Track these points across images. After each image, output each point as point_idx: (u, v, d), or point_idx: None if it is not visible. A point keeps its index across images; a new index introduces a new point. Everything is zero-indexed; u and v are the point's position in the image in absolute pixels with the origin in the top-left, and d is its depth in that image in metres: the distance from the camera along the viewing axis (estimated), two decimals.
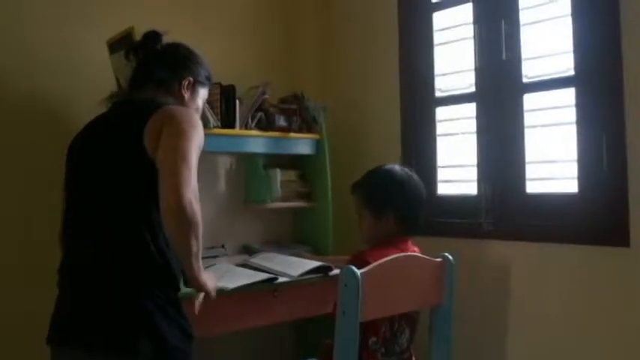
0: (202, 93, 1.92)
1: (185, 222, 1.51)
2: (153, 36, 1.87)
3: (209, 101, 2.55)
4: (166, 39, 1.91)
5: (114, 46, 2.25)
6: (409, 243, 2.20)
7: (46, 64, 2.44)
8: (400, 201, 2.15)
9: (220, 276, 2.30)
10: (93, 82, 2.21)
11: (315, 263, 2.47)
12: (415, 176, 2.23)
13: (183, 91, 1.83)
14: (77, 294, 1.63)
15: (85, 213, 1.68)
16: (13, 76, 2.38)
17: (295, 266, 2.46)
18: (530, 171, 2.50)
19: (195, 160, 1.57)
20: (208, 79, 1.93)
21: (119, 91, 1.89)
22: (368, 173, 2.27)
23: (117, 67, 2.22)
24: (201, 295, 1.80)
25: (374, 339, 2.09)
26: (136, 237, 1.61)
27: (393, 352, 2.14)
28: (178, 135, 1.57)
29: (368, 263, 1.89)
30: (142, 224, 1.61)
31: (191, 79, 1.84)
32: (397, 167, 2.24)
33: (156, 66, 1.82)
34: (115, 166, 1.65)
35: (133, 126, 1.63)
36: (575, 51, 2.35)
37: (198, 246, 1.58)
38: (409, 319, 2.17)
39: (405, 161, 2.90)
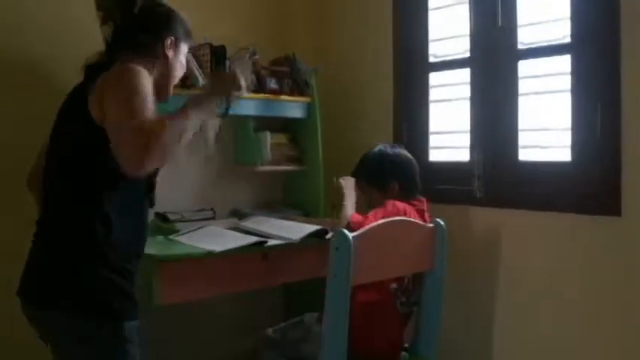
0: (184, 49, 1.89)
1: (154, 159, 1.48)
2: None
3: (199, 62, 2.51)
4: None
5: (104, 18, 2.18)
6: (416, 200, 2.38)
7: (41, 26, 2.39)
8: (398, 170, 2.40)
9: (209, 238, 2.30)
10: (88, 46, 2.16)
11: (312, 227, 2.46)
12: (404, 149, 2.48)
13: (167, 51, 1.79)
14: (31, 253, 1.69)
15: (46, 174, 1.72)
16: (7, 36, 2.33)
17: (292, 230, 2.44)
18: (523, 138, 2.48)
19: (141, 104, 1.51)
20: (188, 34, 1.90)
21: (93, 57, 1.85)
22: (362, 159, 2.48)
23: (105, 38, 2.16)
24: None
25: (394, 285, 2.15)
26: (75, 207, 1.62)
27: (409, 304, 2.26)
28: (115, 98, 1.54)
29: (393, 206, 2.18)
30: (83, 194, 1.62)
31: (173, 37, 1.81)
32: (384, 145, 2.49)
33: (136, 30, 1.77)
34: (64, 134, 1.68)
35: (80, 94, 1.64)
36: (572, 18, 2.32)
37: (164, 137, 1.50)
38: (419, 278, 2.25)
39: (397, 127, 2.89)
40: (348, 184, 2.39)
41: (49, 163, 1.71)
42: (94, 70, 1.66)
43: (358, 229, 1.98)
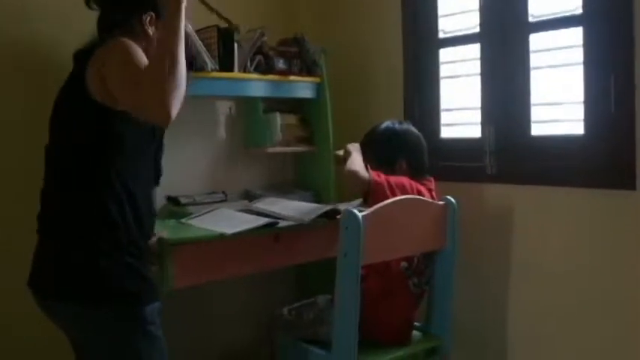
0: None
1: (176, 89, 1.49)
2: None
3: (206, 44, 2.50)
4: None
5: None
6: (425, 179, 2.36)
7: (43, 9, 2.38)
8: (407, 146, 2.37)
9: (221, 220, 2.30)
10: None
11: (324, 207, 2.45)
12: (412, 126, 2.43)
13: (146, 28, 1.76)
14: (38, 245, 1.69)
15: (46, 165, 1.72)
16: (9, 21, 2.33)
17: (303, 210, 2.44)
18: (535, 113, 2.45)
19: (141, 59, 1.54)
20: None
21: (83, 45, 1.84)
22: (369, 135, 2.44)
23: None
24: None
25: (405, 264, 2.15)
26: (77, 194, 1.63)
27: (420, 284, 2.26)
28: (118, 68, 1.55)
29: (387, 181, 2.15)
30: (89, 176, 1.62)
31: (152, 14, 1.78)
32: (392, 122, 2.44)
33: (109, 10, 1.77)
34: (64, 119, 1.68)
35: (75, 76, 1.66)
36: None
37: (170, 55, 1.52)
38: (430, 258, 2.26)
39: (408, 105, 2.86)
40: (355, 146, 2.38)
41: (49, 152, 1.70)
42: (83, 54, 1.66)
43: (378, 189, 2.05)
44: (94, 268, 1.58)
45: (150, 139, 1.76)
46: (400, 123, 2.44)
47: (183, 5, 1.59)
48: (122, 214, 1.63)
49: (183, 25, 1.59)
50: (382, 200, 2.03)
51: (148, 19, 1.77)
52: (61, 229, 1.64)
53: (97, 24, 1.79)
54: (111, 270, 1.59)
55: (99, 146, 1.61)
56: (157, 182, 1.85)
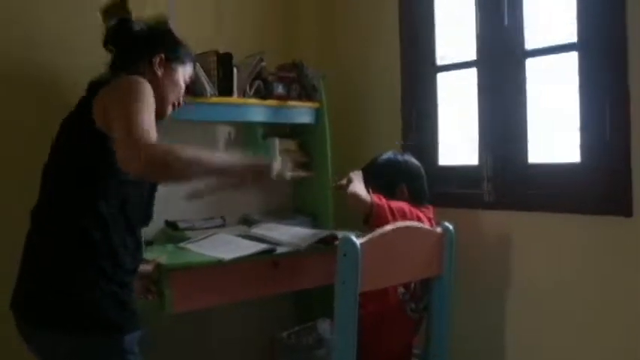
0: (182, 71, 1.89)
1: (162, 173, 1.49)
2: (121, 24, 1.84)
3: (206, 69, 2.52)
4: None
5: (107, 13, 2.20)
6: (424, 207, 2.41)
7: (52, 38, 2.42)
8: (408, 173, 2.44)
9: (219, 246, 2.30)
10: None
11: (322, 233, 2.46)
12: (411, 156, 2.51)
13: (155, 69, 1.81)
14: (21, 264, 1.68)
15: (41, 184, 1.72)
16: (19, 48, 2.37)
17: (301, 236, 2.44)
18: (532, 140, 2.46)
19: (147, 116, 1.53)
20: (186, 56, 1.91)
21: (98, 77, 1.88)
22: (370, 163, 2.51)
23: None
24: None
25: (402, 290, 2.17)
26: (62, 217, 1.62)
27: (418, 310, 2.29)
28: (122, 103, 1.55)
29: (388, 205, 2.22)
30: (77, 202, 1.62)
31: (162, 55, 1.82)
32: (394, 152, 2.52)
33: (122, 50, 1.81)
34: (64, 143, 1.69)
35: (83, 103, 1.67)
36: (577, 16, 2.30)
37: (197, 163, 1.51)
38: (428, 284, 2.26)
39: (406, 131, 2.87)
40: (356, 174, 2.41)
41: (44, 173, 1.71)
42: (96, 85, 1.68)
43: (380, 212, 2.11)
44: (74, 295, 1.56)
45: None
46: (402, 154, 2.52)
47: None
48: (106, 241, 1.61)
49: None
50: (383, 223, 2.06)
51: (158, 60, 1.81)
52: (45, 252, 1.62)
53: (110, 62, 1.83)
54: (91, 298, 1.57)
55: (89, 171, 1.61)
56: (147, 222, 1.84)
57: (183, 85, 1.91)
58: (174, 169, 1.48)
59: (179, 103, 1.92)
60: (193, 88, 2.44)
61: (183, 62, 1.89)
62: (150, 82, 1.69)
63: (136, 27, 1.85)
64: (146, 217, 1.83)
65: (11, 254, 1.70)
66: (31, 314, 1.61)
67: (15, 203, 2.07)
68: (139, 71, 1.74)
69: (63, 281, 1.58)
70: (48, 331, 1.57)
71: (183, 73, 1.91)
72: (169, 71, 1.85)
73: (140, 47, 1.81)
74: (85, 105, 1.65)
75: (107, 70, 1.81)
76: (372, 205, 2.21)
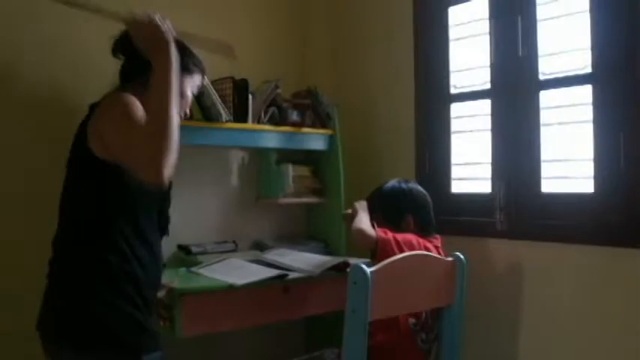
0: (189, 81, 1.87)
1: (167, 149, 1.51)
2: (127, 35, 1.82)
3: (221, 95, 2.55)
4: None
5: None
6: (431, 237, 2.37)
7: (62, 58, 2.46)
8: (413, 203, 2.40)
9: (231, 270, 2.32)
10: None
11: (334, 260, 2.46)
12: (418, 185, 2.48)
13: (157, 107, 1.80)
14: (46, 289, 1.71)
15: (59, 212, 1.75)
16: (29, 68, 2.40)
17: (313, 263, 2.46)
18: (545, 170, 2.46)
19: (134, 112, 1.56)
20: (194, 66, 1.89)
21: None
22: (375, 192, 2.49)
23: None
24: None
25: (413, 320, 2.15)
26: (87, 238, 1.65)
27: (428, 340, 2.25)
28: (114, 124, 1.59)
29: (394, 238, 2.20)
30: (94, 225, 1.65)
31: None
32: (398, 180, 2.48)
33: (135, 60, 1.77)
34: (72, 169, 1.72)
35: (81, 129, 1.70)
36: (592, 48, 2.30)
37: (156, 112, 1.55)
38: (439, 313, 2.24)
39: (419, 159, 2.88)
40: (362, 204, 2.41)
41: (63, 197, 1.74)
42: (93, 106, 1.71)
43: (386, 246, 2.10)
44: (93, 314, 1.60)
45: (153, 191, 1.76)
46: (406, 181, 2.48)
47: (172, 53, 1.62)
48: (122, 265, 1.64)
49: (175, 78, 1.61)
50: (390, 257, 2.03)
51: None
52: (66, 278, 1.66)
53: (119, 73, 1.83)
54: (110, 318, 1.61)
55: (99, 199, 1.65)
56: (165, 232, 1.86)
57: (190, 96, 1.90)
58: (171, 144, 1.52)
59: (185, 114, 1.92)
60: (209, 114, 2.47)
61: (190, 72, 1.87)
62: None
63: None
64: (162, 230, 1.84)
65: (38, 279, 1.74)
66: (47, 330, 1.66)
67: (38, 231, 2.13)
68: (146, 80, 1.70)
69: (83, 304, 1.61)
70: (71, 351, 1.61)
71: (191, 83, 1.89)
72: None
73: (139, 57, 1.76)
74: (81, 131, 1.67)
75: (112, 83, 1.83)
76: (377, 241, 2.20)
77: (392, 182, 2.47)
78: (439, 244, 2.34)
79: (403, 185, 2.44)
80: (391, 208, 2.39)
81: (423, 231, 2.35)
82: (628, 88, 2.17)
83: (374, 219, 2.34)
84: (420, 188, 2.45)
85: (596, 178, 2.29)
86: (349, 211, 2.41)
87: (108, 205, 1.65)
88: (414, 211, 2.38)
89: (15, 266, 2.31)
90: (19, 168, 2.37)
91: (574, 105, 2.39)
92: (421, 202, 2.41)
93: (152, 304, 1.74)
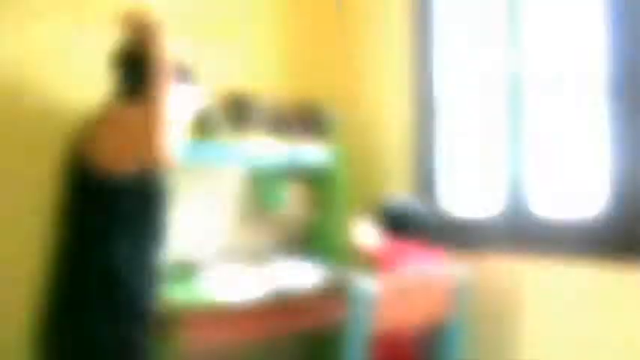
0: (182, 89, 1.88)
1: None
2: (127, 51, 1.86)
3: (222, 108, 2.55)
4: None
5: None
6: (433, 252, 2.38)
7: (42, 56, 2.43)
8: (416, 218, 2.44)
9: (230, 285, 2.32)
10: (88, 76, 2.19)
11: (334, 274, 2.48)
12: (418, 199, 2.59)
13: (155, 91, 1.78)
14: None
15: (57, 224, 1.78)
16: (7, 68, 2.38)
17: (312, 277, 2.47)
18: (547, 188, 2.44)
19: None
20: (191, 77, 1.92)
21: None
22: (379, 210, 2.50)
23: None
24: None
25: (413, 337, 2.21)
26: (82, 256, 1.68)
27: (427, 357, 2.25)
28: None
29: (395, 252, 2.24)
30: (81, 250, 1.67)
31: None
32: (399, 197, 2.57)
33: (124, 75, 1.83)
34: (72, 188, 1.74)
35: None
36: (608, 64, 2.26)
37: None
38: (440, 328, 2.22)
39: (418, 175, 2.88)
40: (364, 220, 2.44)
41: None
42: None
43: (386, 258, 2.14)
44: (87, 335, 1.62)
45: (144, 203, 1.77)
46: (409, 198, 2.56)
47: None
48: (116, 288, 1.65)
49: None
50: (390, 270, 2.04)
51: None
52: (61, 301, 1.67)
53: (116, 84, 1.84)
54: (105, 340, 1.62)
55: (102, 211, 1.67)
56: (162, 244, 1.85)
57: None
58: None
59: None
60: (208, 127, 2.48)
61: (184, 82, 1.89)
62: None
63: (140, 49, 1.83)
64: (157, 242, 1.83)
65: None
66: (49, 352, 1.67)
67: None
68: (142, 93, 1.73)
69: (79, 324, 1.63)
70: None
71: (186, 92, 1.90)
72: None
73: (141, 69, 1.79)
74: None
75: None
76: (378, 255, 2.23)
77: (395, 198, 2.52)
78: (441, 259, 2.32)
79: (407, 202, 2.49)
80: (394, 223, 2.41)
81: (425, 246, 2.35)
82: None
83: (377, 232, 2.37)
84: (421, 204, 2.51)
85: (602, 195, 2.25)
86: (352, 225, 2.43)
87: (101, 221, 1.66)
88: (416, 226, 2.40)
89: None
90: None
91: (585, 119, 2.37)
92: (423, 217, 2.45)
93: (148, 320, 1.73)
